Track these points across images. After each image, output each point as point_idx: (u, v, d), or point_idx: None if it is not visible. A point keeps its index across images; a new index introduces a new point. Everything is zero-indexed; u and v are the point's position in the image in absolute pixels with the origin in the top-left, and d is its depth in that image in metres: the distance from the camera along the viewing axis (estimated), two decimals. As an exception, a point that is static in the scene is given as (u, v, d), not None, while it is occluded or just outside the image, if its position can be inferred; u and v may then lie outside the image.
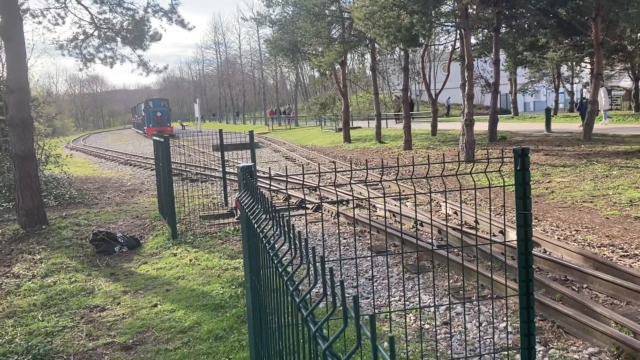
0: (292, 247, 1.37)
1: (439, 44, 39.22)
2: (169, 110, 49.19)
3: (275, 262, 1.49)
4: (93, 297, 6.57)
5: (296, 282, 1.31)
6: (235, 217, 10.46)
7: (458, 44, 23.61)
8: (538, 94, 46.15)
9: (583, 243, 7.50)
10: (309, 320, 1.06)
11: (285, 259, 1.46)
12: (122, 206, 13.06)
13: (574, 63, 32.13)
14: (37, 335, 5.40)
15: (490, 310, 5.41)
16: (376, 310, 5.64)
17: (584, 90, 33.17)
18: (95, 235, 8.84)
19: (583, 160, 14.29)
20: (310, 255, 1.18)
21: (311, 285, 1.17)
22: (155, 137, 11.34)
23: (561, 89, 38.35)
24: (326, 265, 1.05)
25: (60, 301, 6.43)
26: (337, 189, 11.97)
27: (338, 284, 0.98)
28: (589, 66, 28.03)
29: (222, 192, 12.36)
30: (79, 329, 5.56)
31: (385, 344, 4.39)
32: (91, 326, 5.62)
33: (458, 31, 21.43)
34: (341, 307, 0.97)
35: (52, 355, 4.95)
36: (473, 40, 24.88)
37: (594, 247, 7.27)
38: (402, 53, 24.23)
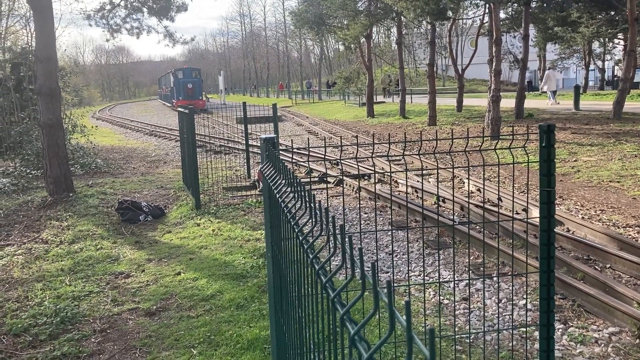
0: (312, 215, 1.38)
1: (467, 18, 38.44)
2: (201, 82, 43.60)
3: (296, 230, 1.51)
4: (118, 264, 6.73)
5: (316, 251, 1.33)
6: (258, 189, 10.55)
7: (487, 18, 23.13)
8: (567, 71, 45.05)
9: (608, 223, 7.40)
10: (328, 287, 1.08)
11: (306, 229, 1.48)
12: (147, 176, 13.25)
13: (607, 39, 31.21)
14: (65, 299, 5.56)
15: (510, 288, 5.40)
16: (395, 284, 5.68)
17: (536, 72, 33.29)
18: (121, 204, 9.01)
19: (612, 139, 13.99)
20: (330, 224, 1.19)
21: (331, 253, 1.19)
22: (180, 109, 11.42)
23: (592, 66, 37.37)
24: (346, 235, 1.06)
25: (86, 267, 6.61)
26: (358, 163, 11.95)
27: (357, 252, 1.00)
28: (622, 42, 27.23)
29: (245, 164, 12.45)
30: (105, 294, 5.72)
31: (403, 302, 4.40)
32: (116, 292, 5.77)
33: (487, 5, 20.94)
34: (360, 276, 0.98)
35: (79, 319, 5.11)
36: (502, 15, 24.32)
37: (619, 228, 7.17)
38: (429, 27, 23.81)
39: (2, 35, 19.16)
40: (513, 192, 3.71)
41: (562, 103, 25.88)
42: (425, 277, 5.92)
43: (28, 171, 13.11)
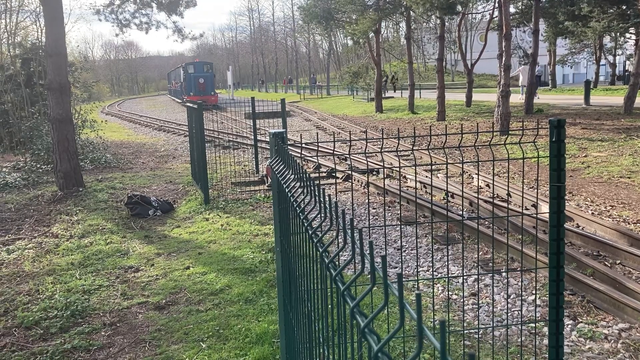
0: (322, 209, 1.38)
1: (476, 13, 38.20)
2: (213, 76, 41.15)
3: (306, 224, 1.51)
4: (128, 258, 6.77)
5: (325, 245, 1.33)
6: (266, 184, 10.56)
7: (496, 13, 22.97)
8: (578, 66, 44.76)
9: (618, 219, 7.35)
10: (338, 280, 1.08)
11: (315, 222, 1.48)
12: (156, 171, 13.30)
13: (618, 34, 30.90)
14: (75, 292, 5.61)
15: (519, 283, 5.38)
16: (403, 279, 5.68)
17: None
18: (130, 198, 9.05)
19: (622, 134, 13.88)
20: (340, 218, 1.20)
21: (340, 247, 1.19)
22: (188, 104, 11.45)
23: (602, 61, 37.04)
24: (356, 229, 1.06)
25: (96, 261, 6.66)
26: (367, 159, 11.94)
27: (367, 246, 0.99)
28: (633, 37, 26.97)
29: (254, 159, 12.47)
30: (115, 288, 5.76)
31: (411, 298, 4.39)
32: (126, 286, 5.81)
33: (497, -1, 20.81)
34: (370, 269, 0.98)
35: (89, 312, 5.15)
36: (512, 9, 24.14)
37: (629, 224, 7.12)
38: (439, 21, 23.69)
39: (13, 31, 19.27)
40: (522, 188, 3.69)
41: (572, 98, 25.69)
42: (434, 273, 5.91)
43: (38, 166, 13.21)
